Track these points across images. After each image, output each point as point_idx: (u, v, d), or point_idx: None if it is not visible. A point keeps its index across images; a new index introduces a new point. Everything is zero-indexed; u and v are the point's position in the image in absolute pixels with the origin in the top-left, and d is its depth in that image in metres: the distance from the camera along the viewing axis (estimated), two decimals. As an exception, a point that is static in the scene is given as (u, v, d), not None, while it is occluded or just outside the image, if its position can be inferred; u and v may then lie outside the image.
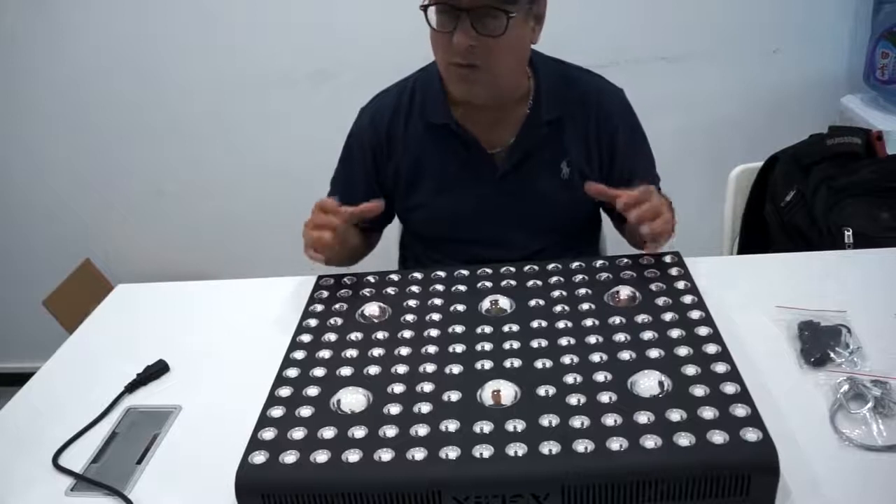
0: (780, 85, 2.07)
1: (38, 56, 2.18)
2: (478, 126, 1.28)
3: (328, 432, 0.86)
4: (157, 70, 2.17)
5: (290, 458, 0.83)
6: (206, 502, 0.89)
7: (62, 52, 2.17)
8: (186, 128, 2.25)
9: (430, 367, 0.95)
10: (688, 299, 1.04)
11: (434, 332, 1.03)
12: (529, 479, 0.78)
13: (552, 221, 1.35)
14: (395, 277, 1.18)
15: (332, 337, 1.05)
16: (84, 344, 1.26)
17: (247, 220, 2.34)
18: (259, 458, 0.84)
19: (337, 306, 1.13)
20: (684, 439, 0.79)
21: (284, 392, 0.94)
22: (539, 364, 0.93)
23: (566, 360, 0.94)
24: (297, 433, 0.86)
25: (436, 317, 1.07)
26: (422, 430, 0.85)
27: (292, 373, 0.98)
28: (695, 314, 1.00)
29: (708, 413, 0.82)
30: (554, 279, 1.12)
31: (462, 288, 1.13)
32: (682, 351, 0.93)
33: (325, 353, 1.01)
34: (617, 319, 1.01)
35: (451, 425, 0.85)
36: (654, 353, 0.93)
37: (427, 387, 0.92)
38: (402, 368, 0.96)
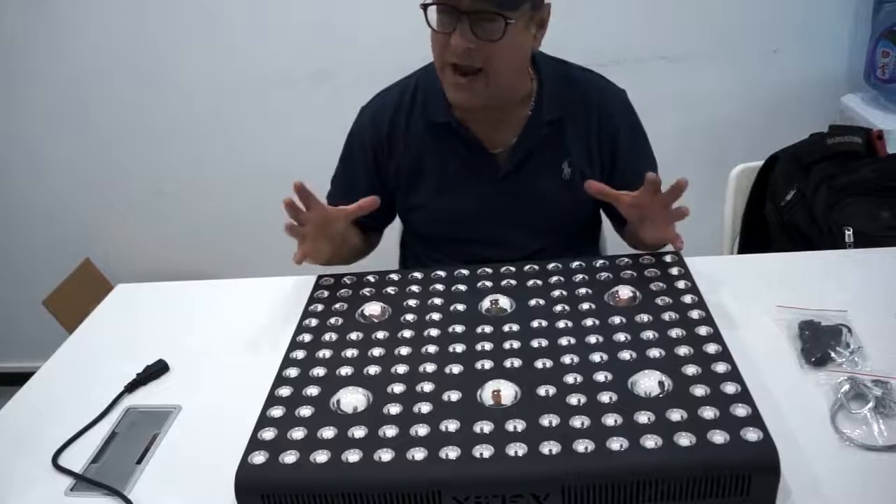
0: (781, 84, 2.07)
1: (38, 56, 2.18)
2: (479, 126, 1.28)
3: (328, 432, 0.86)
4: (157, 70, 2.17)
5: (289, 458, 0.83)
6: (205, 502, 0.89)
7: (62, 52, 2.17)
8: (186, 128, 2.25)
9: (430, 367, 0.95)
10: (688, 299, 1.04)
11: (434, 332, 1.03)
12: (529, 479, 0.78)
13: (553, 222, 1.35)
14: (395, 277, 1.18)
15: (332, 337, 1.05)
16: (84, 344, 1.26)
17: (247, 220, 2.33)
18: (259, 458, 0.83)
19: (337, 306, 1.12)
20: (685, 439, 0.79)
21: (284, 392, 0.94)
22: (539, 364, 0.93)
23: (566, 359, 0.93)
24: (297, 433, 0.86)
25: (436, 316, 1.07)
26: (422, 430, 0.85)
27: (292, 372, 0.98)
28: (695, 314, 1.00)
29: (708, 413, 0.82)
30: (554, 279, 1.12)
31: (462, 287, 1.13)
32: (683, 351, 0.93)
33: (325, 353, 1.01)
34: (617, 319, 1.01)
35: (451, 425, 0.85)
36: (654, 353, 0.93)
37: (427, 387, 0.92)
38: (402, 368, 0.96)
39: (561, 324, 1.01)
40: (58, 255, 2.37)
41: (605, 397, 0.86)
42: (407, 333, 1.03)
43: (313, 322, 1.09)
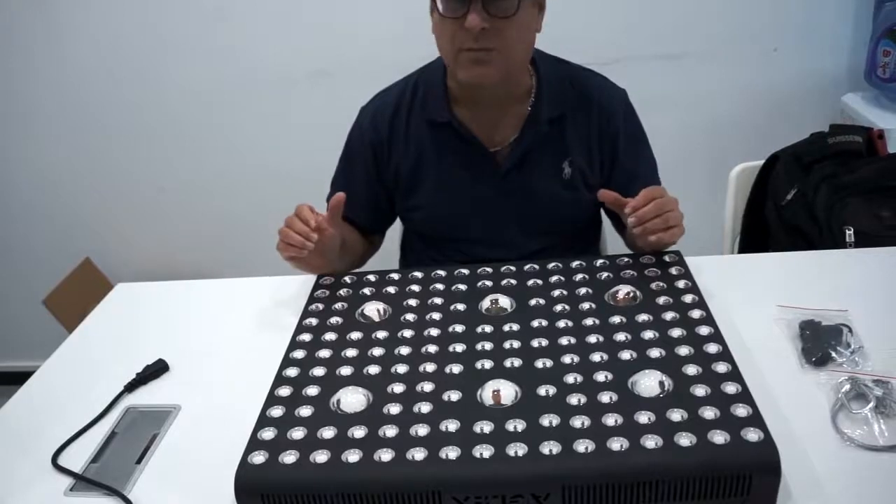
0: (781, 83, 2.07)
1: (38, 56, 2.18)
2: (479, 125, 1.28)
3: (328, 432, 0.86)
4: (158, 70, 2.17)
5: (289, 458, 0.83)
6: (205, 502, 0.89)
7: (62, 52, 2.17)
8: (186, 127, 2.25)
9: (430, 367, 0.95)
10: (688, 298, 1.04)
11: (434, 332, 1.03)
12: (530, 479, 0.78)
13: (553, 221, 1.35)
14: (395, 277, 1.18)
15: (331, 336, 1.05)
16: (84, 343, 1.26)
17: (247, 219, 2.33)
18: (259, 458, 0.83)
19: (337, 305, 1.12)
20: (685, 439, 0.78)
21: (284, 392, 0.94)
22: (539, 364, 0.93)
23: (566, 359, 0.93)
24: (297, 433, 0.86)
25: (436, 316, 1.06)
26: (422, 430, 0.84)
27: (292, 372, 0.98)
28: (695, 313, 1.00)
29: (709, 413, 0.82)
30: (554, 278, 1.12)
31: (462, 287, 1.13)
32: (683, 350, 0.93)
33: (325, 353, 1.01)
34: (617, 319, 1.01)
35: (451, 425, 0.84)
36: (654, 353, 0.93)
37: (427, 386, 0.92)
38: (402, 368, 0.96)
39: (561, 323, 1.01)
40: (58, 254, 2.37)
41: (605, 397, 0.86)
42: (407, 333, 1.03)
43: (313, 322, 1.09)
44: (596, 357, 0.93)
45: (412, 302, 1.11)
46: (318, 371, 0.97)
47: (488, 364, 0.94)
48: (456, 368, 0.95)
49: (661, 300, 1.04)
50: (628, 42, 2.03)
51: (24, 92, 2.24)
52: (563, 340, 0.97)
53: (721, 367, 0.89)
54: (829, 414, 0.90)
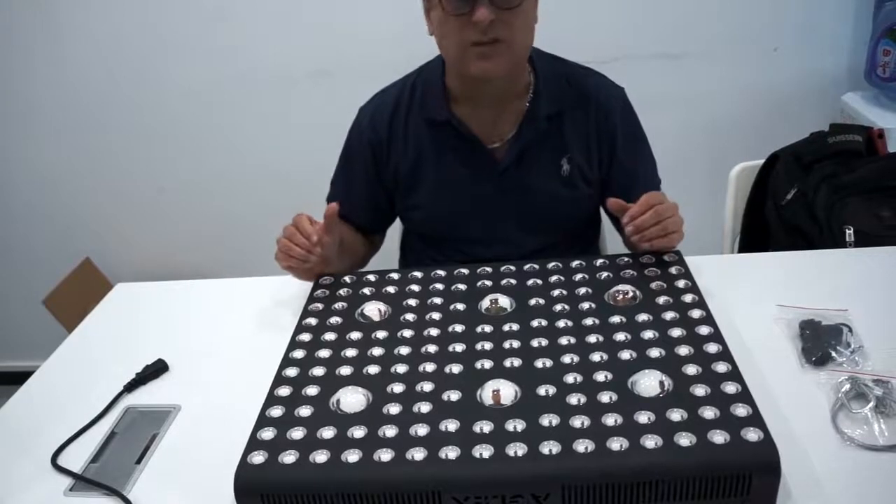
0: (781, 83, 2.06)
1: (38, 56, 2.18)
2: (478, 122, 1.28)
3: (328, 432, 0.86)
4: (157, 70, 2.17)
5: (289, 458, 0.83)
6: (205, 502, 0.89)
7: (62, 52, 2.17)
8: (186, 127, 2.25)
9: (429, 367, 0.95)
10: (688, 298, 1.03)
11: (434, 332, 1.03)
12: (529, 479, 0.78)
13: (552, 219, 1.35)
14: (395, 276, 1.18)
15: (331, 336, 1.05)
16: (83, 343, 1.26)
17: (247, 219, 2.33)
18: (258, 458, 0.83)
19: (337, 305, 1.12)
20: (685, 439, 0.78)
21: (284, 392, 0.94)
22: (539, 363, 0.93)
23: (566, 359, 0.93)
24: (297, 433, 0.86)
25: (436, 316, 1.06)
26: (422, 430, 0.84)
27: (292, 372, 0.98)
28: (695, 313, 1.00)
29: (709, 413, 0.82)
30: (554, 278, 1.12)
31: (462, 287, 1.13)
32: (683, 350, 0.93)
33: (325, 353, 1.01)
34: (617, 319, 1.01)
35: (451, 425, 0.84)
36: (654, 353, 0.93)
37: (427, 386, 0.92)
38: (401, 368, 0.96)
39: (561, 323, 1.01)
40: (58, 254, 2.37)
41: (605, 397, 0.86)
42: (407, 333, 1.03)
43: (313, 321, 1.09)
44: (596, 357, 0.93)
45: (412, 302, 1.11)
46: (318, 371, 0.97)
47: (488, 364, 0.94)
48: (456, 368, 0.94)
49: (661, 300, 1.04)
50: (628, 41, 2.03)
51: (24, 92, 2.24)
52: (563, 340, 0.97)
53: (721, 367, 0.89)
54: (829, 414, 0.90)
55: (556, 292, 1.09)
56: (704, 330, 0.96)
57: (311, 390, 0.93)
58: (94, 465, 0.97)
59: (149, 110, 2.23)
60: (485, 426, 0.84)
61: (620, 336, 0.97)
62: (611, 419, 0.82)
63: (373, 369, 0.96)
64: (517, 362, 0.94)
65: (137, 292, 1.40)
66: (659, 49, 2.04)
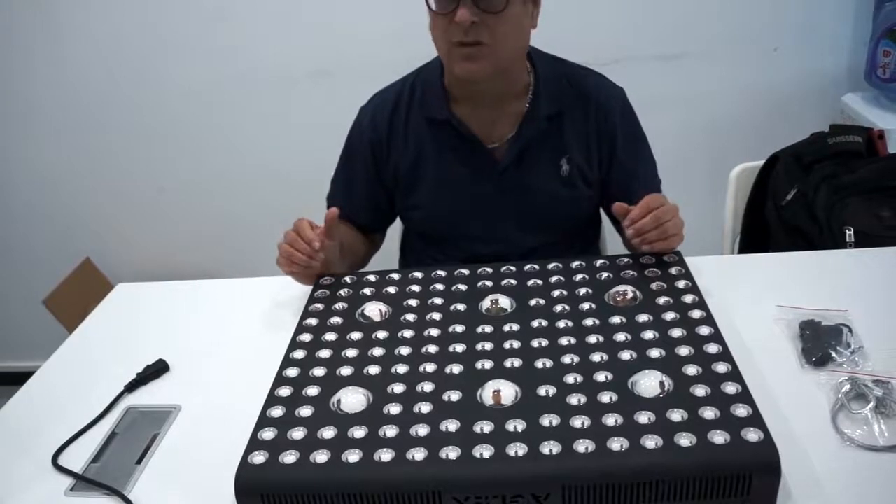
0: (781, 83, 2.07)
1: (38, 56, 2.18)
2: (478, 122, 1.28)
3: (328, 432, 0.86)
4: (157, 70, 2.17)
5: (289, 458, 0.83)
6: (205, 502, 0.89)
7: (62, 52, 2.17)
8: (186, 127, 2.25)
9: (430, 367, 0.95)
10: (688, 299, 1.04)
11: (434, 332, 1.03)
12: (530, 479, 0.78)
13: (552, 219, 1.35)
14: (395, 277, 1.18)
15: (332, 336, 1.05)
16: (84, 343, 1.26)
17: (247, 219, 2.34)
18: (259, 458, 0.83)
19: (337, 306, 1.12)
20: (685, 439, 0.78)
21: (284, 392, 0.94)
22: (539, 364, 0.93)
23: (567, 359, 0.93)
24: (297, 433, 0.86)
25: (436, 316, 1.06)
26: (422, 430, 0.84)
27: (292, 372, 0.98)
28: (696, 314, 1.00)
29: (709, 413, 0.82)
30: (554, 278, 1.12)
31: (462, 287, 1.13)
32: (683, 351, 0.93)
33: (325, 353, 1.01)
34: (617, 319, 1.01)
35: (451, 425, 0.84)
36: (654, 353, 0.93)
37: (427, 387, 0.92)
38: (402, 368, 0.96)
39: (561, 324, 1.01)
40: (58, 255, 2.37)
41: (605, 397, 0.86)
42: (407, 333, 1.03)
43: (313, 322, 1.09)
44: (596, 357, 0.93)
45: (412, 302, 1.11)
46: (319, 371, 0.97)
47: (488, 364, 0.94)
48: (456, 368, 0.95)
49: (662, 300, 1.04)
50: (628, 42, 2.03)
51: (24, 92, 2.23)
52: (563, 340, 0.97)
53: (721, 368, 0.89)
54: (829, 414, 0.90)
55: (556, 293, 1.09)
56: (704, 330, 0.96)
57: (312, 390, 0.93)
58: (94, 465, 0.97)
59: (149, 110, 2.23)
60: (485, 426, 0.84)
61: (621, 336, 0.97)
62: (611, 419, 0.82)
63: (373, 369, 0.96)
64: (517, 362, 0.94)
65: (138, 292, 1.40)
66: (659, 50, 2.04)
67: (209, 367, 1.14)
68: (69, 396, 1.11)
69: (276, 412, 0.90)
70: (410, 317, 1.07)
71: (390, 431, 0.85)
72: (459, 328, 1.03)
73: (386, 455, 0.81)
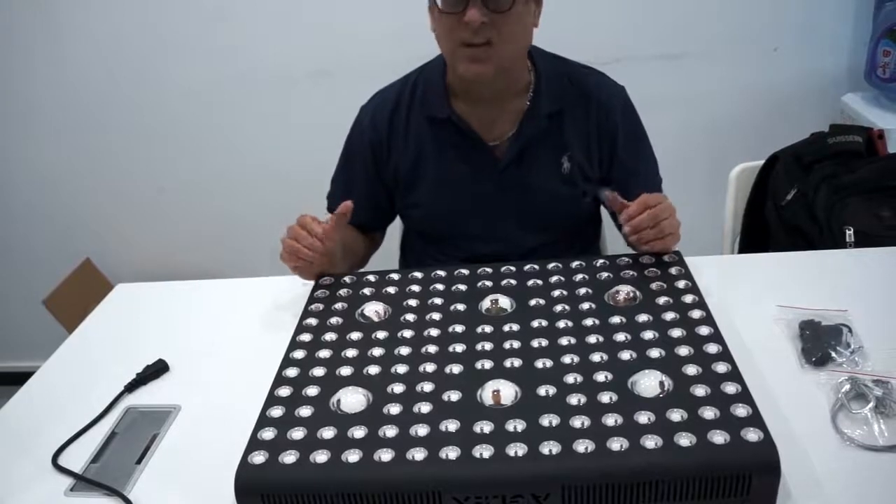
0: (781, 83, 2.07)
1: (38, 56, 2.18)
2: (479, 121, 1.29)
3: (328, 432, 0.86)
4: (157, 70, 2.17)
5: (289, 458, 0.83)
6: (205, 502, 0.89)
7: (62, 52, 2.17)
8: (186, 127, 2.25)
9: (430, 367, 0.95)
10: (688, 299, 1.03)
11: (434, 332, 1.03)
12: (530, 479, 0.78)
13: (552, 217, 1.35)
14: (395, 277, 1.18)
15: (331, 336, 1.05)
16: (84, 344, 1.26)
17: (247, 219, 2.34)
18: (259, 458, 0.83)
19: (337, 306, 1.12)
20: (685, 439, 0.78)
21: (284, 392, 0.94)
22: (539, 364, 0.93)
23: (566, 359, 0.93)
24: (297, 433, 0.86)
25: (436, 316, 1.06)
26: (422, 430, 0.84)
27: (292, 372, 0.98)
28: (695, 314, 1.00)
29: (709, 413, 0.82)
30: (554, 278, 1.12)
31: (462, 287, 1.13)
32: (683, 351, 0.93)
33: (325, 353, 1.01)
34: (617, 319, 1.01)
35: (451, 425, 0.84)
36: (654, 353, 0.93)
37: (427, 387, 0.92)
38: (402, 368, 0.96)
39: (561, 324, 1.01)
40: (58, 255, 2.37)
41: (605, 397, 0.86)
42: (407, 333, 1.03)
43: (313, 322, 1.09)
44: (596, 357, 0.93)
45: (412, 302, 1.11)
46: (318, 371, 0.97)
47: (488, 364, 0.94)
48: (456, 368, 0.95)
49: (661, 300, 1.04)
50: (628, 42, 2.03)
51: (24, 92, 2.24)
52: (563, 341, 0.97)
53: (721, 368, 0.89)
54: (829, 414, 0.90)
55: (556, 293, 1.09)
56: (704, 330, 0.96)
57: (312, 390, 0.93)
58: (94, 465, 0.97)
59: (149, 110, 2.23)
60: (485, 426, 0.84)
61: (620, 336, 0.97)
62: (611, 419, 0.82)
63: (373, 369, 0.96)
64: (517, 362, 0.94)
65: (138, 292, 1.40)
66: (659, 50, 2.04)
67: (209, 367, 1.14)
68: (69, 396, 1.11)
69: (276, 412, 0.90)
70: (410, 317, 1.07)
71: (390, 431, 0.85)
72: (459, 328, 1.03)
73: (386, 455, 0.81)
